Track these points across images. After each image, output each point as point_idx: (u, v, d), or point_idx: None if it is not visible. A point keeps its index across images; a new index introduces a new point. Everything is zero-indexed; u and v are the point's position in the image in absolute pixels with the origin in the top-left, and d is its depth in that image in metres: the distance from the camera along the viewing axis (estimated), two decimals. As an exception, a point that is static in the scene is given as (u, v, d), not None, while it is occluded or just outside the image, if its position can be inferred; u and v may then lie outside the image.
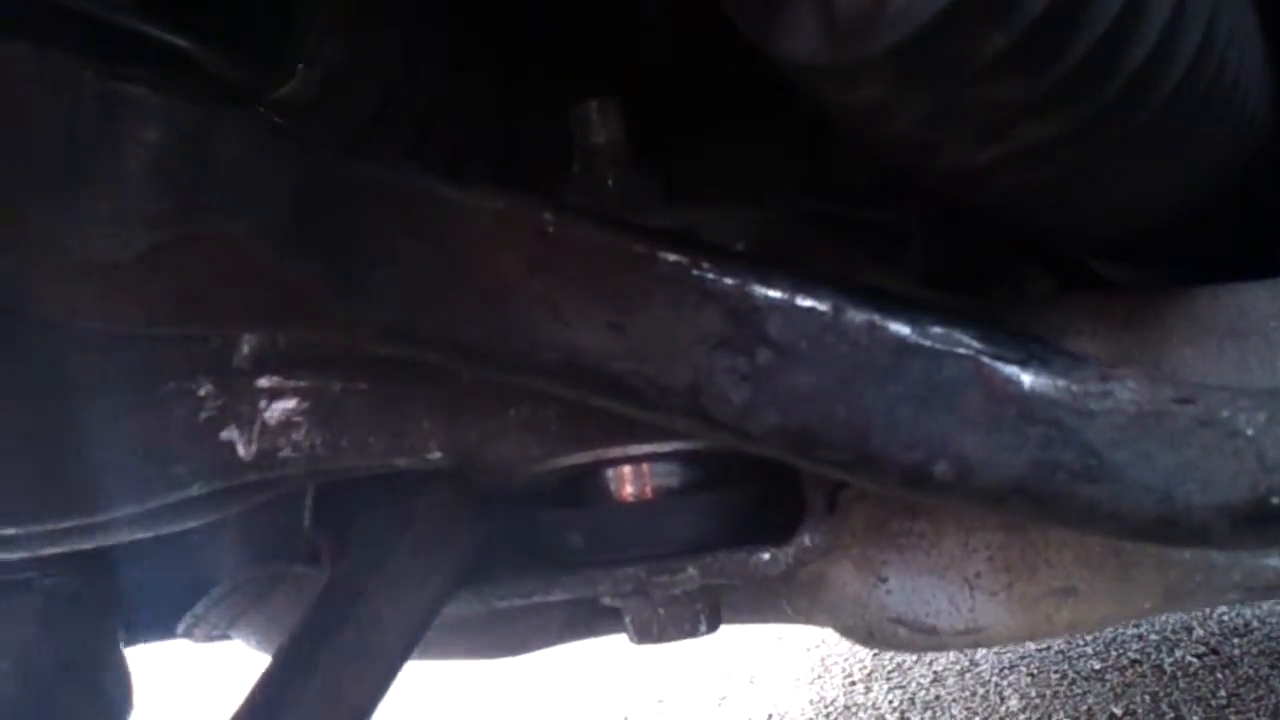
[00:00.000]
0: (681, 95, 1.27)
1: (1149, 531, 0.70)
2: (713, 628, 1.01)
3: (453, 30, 1.11)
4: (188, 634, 1.18)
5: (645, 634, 0.99)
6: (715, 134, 1.31)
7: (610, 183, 0.97)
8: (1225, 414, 0.69)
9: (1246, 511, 0.67)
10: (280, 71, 0.97)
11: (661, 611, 0.98)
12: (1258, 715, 2.21)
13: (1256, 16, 0.84)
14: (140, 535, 1.00)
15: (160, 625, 1.21)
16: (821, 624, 1.04)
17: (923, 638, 0.96)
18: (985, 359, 0.73)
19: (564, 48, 1.24)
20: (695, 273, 0.77)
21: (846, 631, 1.00)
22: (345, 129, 1.04)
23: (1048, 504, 0.71)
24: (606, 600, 1.00)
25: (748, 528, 0.95)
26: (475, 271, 0.78)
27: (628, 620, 1.00)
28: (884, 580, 0.96)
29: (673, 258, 0.77)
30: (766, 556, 0.94)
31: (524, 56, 1.22)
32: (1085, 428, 0.71)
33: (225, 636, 1.21)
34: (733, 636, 3.31)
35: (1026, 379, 0.72)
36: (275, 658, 0.94)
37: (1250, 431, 0.68)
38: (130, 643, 1.22)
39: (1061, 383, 0.72)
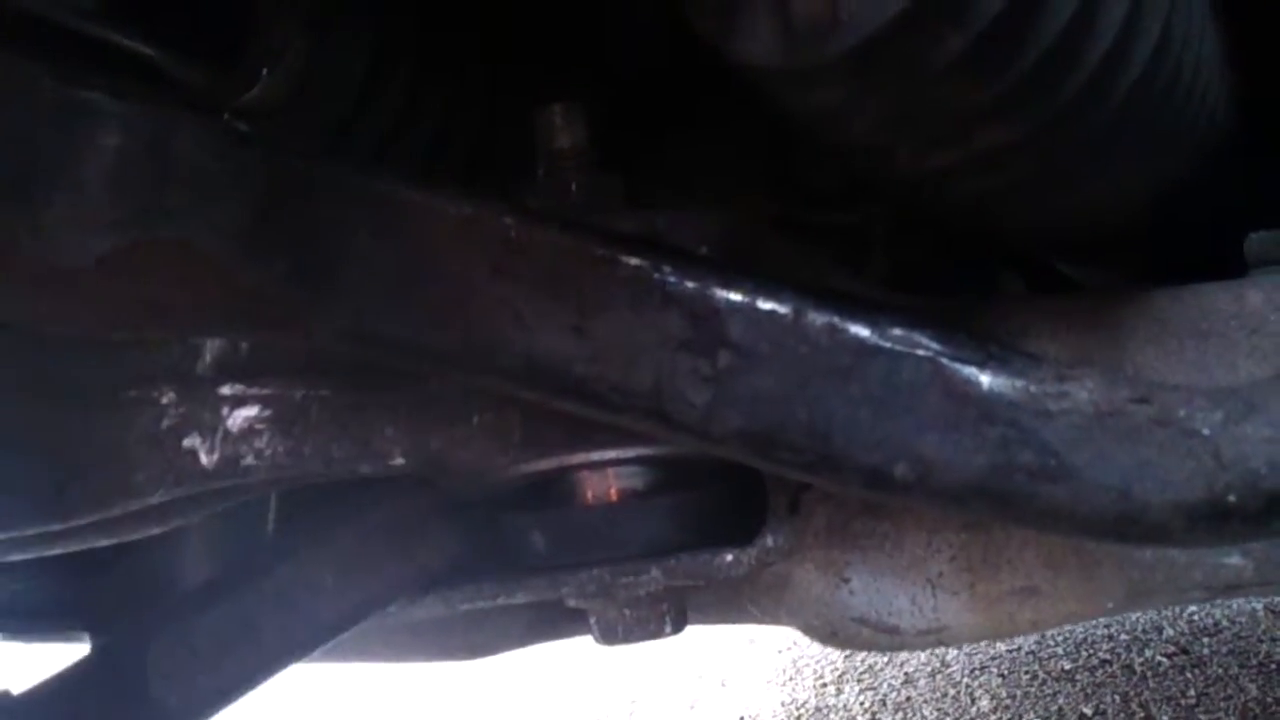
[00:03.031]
0: (648, 100, 1.27)
1: (1107, 530, 0.71)
2: (678, 629, 1.01)
3: (420, 36, 1.11)
4: (153, 639, 1.18)
5: (610, 635, 0.99)
6: (681, 139, 1.31)
7: (574, 187, 0.97)
8: (1182, 413, 0.70)
9: (1203, 510, 0.68)
10: (244, 77, 0.96)
11: (626, 613, 0.98)
12: (1226, 714, 2.23)
13: (1214, 19, 0.85)
14: (103, 542, 0.99)
15: (125, 630, 1.20)
16: (786, 624, 1.04)
17: (885, 637, 0.96)
18: (944, 360, 0.74)
19: (533, 53, 1.24)
20: (657, 276, 0.77)
21: (810, 631, 1.01)
22: (311, 134, 1.04)
23: (1007, 504, 0.72)
24: (572, 602, 1.00)
25: (712, 530, 0.95)
26: (438, 275, 0.79)
27: (593, 622, 1.00)
28: (847, 581, 0.96)
29: (634, 261, 0.78)
30: (729, 558, 0.94)
31: (494, 61, 1.22)
32: (1043, 428, 0.71)
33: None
34: (704, 639, 3.31)
35: (985, 380, 0.73)
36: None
37: (1206, 431, 0.69)
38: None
39: (1020, 383, 0.72)
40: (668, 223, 0.91)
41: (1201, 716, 2.24)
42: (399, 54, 1.09)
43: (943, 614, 0.95)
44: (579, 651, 3.21)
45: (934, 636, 0.95)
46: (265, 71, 0.96)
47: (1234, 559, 0.90)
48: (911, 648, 0.98)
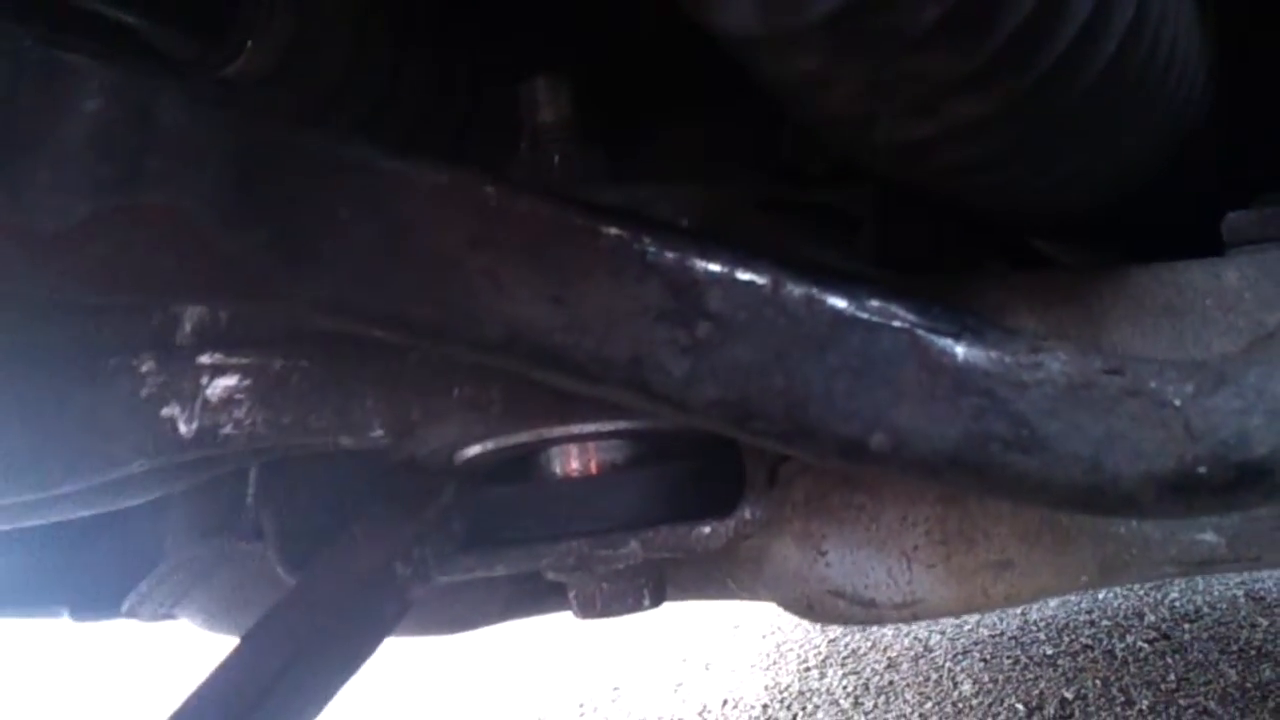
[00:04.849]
0: (637, 82, 1.27)
1: (1079, 500, 0.71)
2: (656, 603, 1.01)
3: (406, 8, 1.11)
4: (132, 613, 1.18)
5: (589, 608, 0.99)
6: (669, 121, 1.31)
7: (557, 160, 0.97)
8: (1153, 385, 0.70)
9: (1173, 480, 0.68)
10: (229, 48, 0.96)
11: (605, 586, 0.98)
12: (1206, 698, 2.24)
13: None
14: (82, 512, 0.99)
15: (105, 604, 1.20)
16: (763, 598, 1.05)
17: (861, 610, 0.97)
18: (920, 331, 0.74)
19: (521, 32, 1.24)
20: (636, 246, 0.77)
21: (787, 604, 1.01)
22: (297, 105, 1.04)
23: (981, 474, 0.72)
24: (550, 575, 1.00)
25: (690, 503, 0.96)
26: (418, 245, 0.79)
27: (572, 595, 1.00)
28: (824, 553, 0.97)
29: (613, 231, 0.78)
30: (707, 530, 0.94)
31: (484, 36, 1.21)
32: (1017, 399, 0.71)
33: (170, 615, 1.20)
34: (688, 623, 3.32)
35: (960, 351, 0.73)
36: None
37: (1178, 402, 0.69)
38: (76, 621, 1.22)
39: (994, 354, 0.73)
40: (649, 196, 0.91)
41: (1181, 701, 2.25)
42: (383, 26, 1.09)
43: (918, 587, 0.95)
44: (562, 634, 3.22)
45: (910, 610, 0.96)
46: (250, 43, 0.96)
47: (1208, 535, 0.90)
48: (887, 620, 0.99)
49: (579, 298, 0.77)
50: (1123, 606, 2.80)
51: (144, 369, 0.92)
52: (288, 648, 0.85)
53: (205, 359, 0.93)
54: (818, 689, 2.71)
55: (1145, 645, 2.56)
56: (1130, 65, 0.74)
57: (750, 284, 0.76)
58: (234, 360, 0.93)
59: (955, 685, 2.55)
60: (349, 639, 0.89)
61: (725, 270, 0.77)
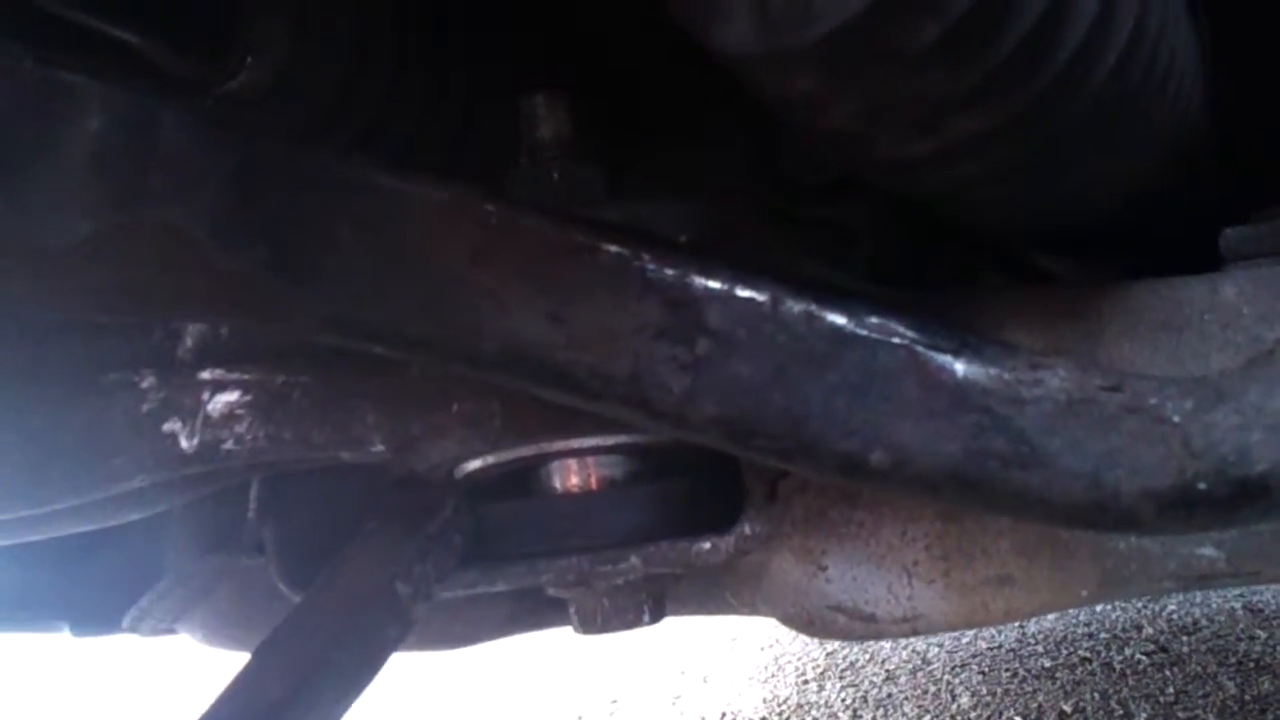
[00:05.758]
0: (635, 98, 1.27)
1: (1078, 517, 0.71)
2: (656, 618, 1.01)
3: (406, 25, 1.11)
4: (134, 628, 1.18)
5: (589, 624, 0.99)
6: (668, 136, 1.31)
7: (556, 177, 0.97)
8: (1152, 401, 0.70)
9: (1172, 496, 0.69)
10: (229, 65, 0.96)
11: (605, 602, 0.98)
12: (1204, 711, 2.24)
13: (1190, 13, 0.85)
14: (83, 527, 0.99)
15: (106, 619, 1.20)
16: (764, 614, 1.05)
17: (862, 625, 0.97)
18: (919, 348, 0.74)
19: (522, 45, 1.24)
20: (636, 263, 0.77)
21: (787, 620, 1.01)
22: (296, 122, 1.04)
23: (980, 490, 0.73)
24: (551, 591, 1.00)
25: (690, 518, 0.96)
26: (417, 262, 0.79)
27: (572, 611, 1.00)
28: (824, 569, 0.97)
29: (613, 249, 0.78)
30: (707, 546, 0.94)
31: (481, 52, 1.22)
32: (1016, 415, 0.72)
33: (171, 631, 1.20)
34: (687, 636, 3.32)
35: (959, 367, 0.73)
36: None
37: (1176, 418, 0.69)
38: (77, 636, 1.22)
39: (993, 371, 0.73)
40: (648, 212, 0.92)
41: (1180, 714, 2.24)
42: (383, 43, 1.09)
43: (918, 602, 0.95)
44: (561, 647, 3.22)
45: (909, 625, 0.96)
46: (249, 59, 0.97)
47: (1207, 549, 0.90)
48: (888, 636, 0.99)
49: (579, 315, 0.77)
50: (1121, 619, 2.80)
51: (145, 384, 0.93)
52: (293, 673, 0.85)
53: (207, 374, 0.93)
54: (816, 701, 2.70)
55: (1144, 658, 2.55)
56: (1129, 78, 0.74)
57: (750, 300, 0.77)
58: (235, 376, 0.93)
59: (954, 698, 2.54)
60: (353, 661, 0.88)
61: (725, 287, 0.77)
